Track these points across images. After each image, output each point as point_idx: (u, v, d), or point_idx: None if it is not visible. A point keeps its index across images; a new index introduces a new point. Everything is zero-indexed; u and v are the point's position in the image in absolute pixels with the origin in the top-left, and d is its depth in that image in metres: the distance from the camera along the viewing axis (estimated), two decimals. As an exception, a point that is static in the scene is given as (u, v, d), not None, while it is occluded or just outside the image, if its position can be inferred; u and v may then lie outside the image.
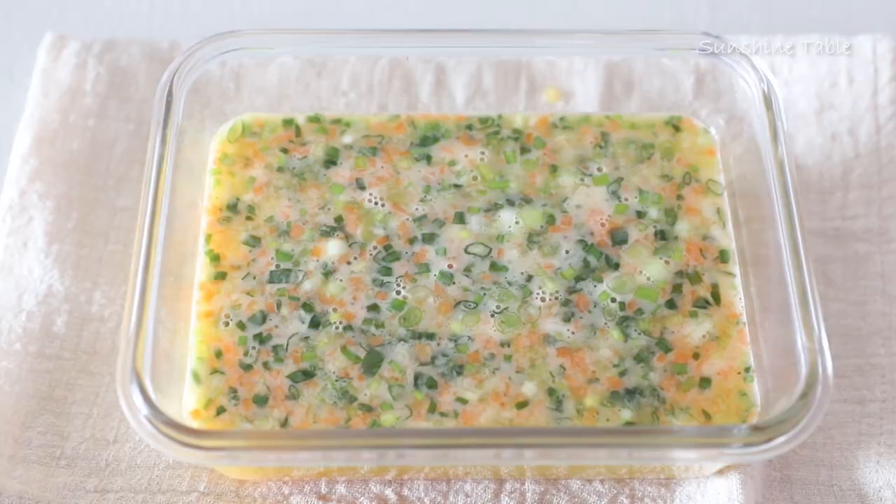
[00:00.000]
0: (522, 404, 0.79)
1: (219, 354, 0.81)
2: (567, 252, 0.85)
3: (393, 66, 0.96)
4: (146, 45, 1.01)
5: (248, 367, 0.81)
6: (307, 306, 0.83)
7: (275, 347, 0.81)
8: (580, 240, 0.86)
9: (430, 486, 0.81)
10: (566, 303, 0.83)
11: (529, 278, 0.84)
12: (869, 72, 0.97)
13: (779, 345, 0.79)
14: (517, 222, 0.86)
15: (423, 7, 1.07)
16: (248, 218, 0.86)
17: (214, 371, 0.80)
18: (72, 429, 0.84)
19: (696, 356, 0.81)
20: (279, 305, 0.83)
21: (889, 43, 1.00)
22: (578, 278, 0.84)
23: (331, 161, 0.89)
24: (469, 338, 0.82)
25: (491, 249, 0.85)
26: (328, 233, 0.86)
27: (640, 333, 0.82)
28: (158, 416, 0.71)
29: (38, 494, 0.80)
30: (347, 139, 0.90)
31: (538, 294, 0.83)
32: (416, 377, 0.80)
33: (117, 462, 0.82)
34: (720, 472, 0.80)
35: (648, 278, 0.84)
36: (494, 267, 0.84)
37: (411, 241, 0.86)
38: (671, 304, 0.83)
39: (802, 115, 0.98)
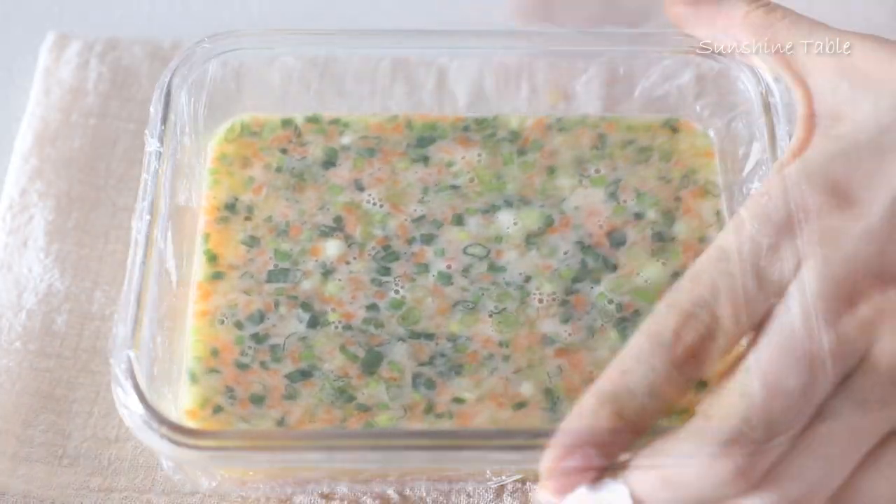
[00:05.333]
0: (520, 405, 0.80)
1: (215, 353, 0.81)
2: (565, 253, 0.85)
3: (395, 67, 0.96)
4: (148, 45, 1.01)
5: (244, 367, 0.81)
6: (305, 306, 0.83)
7: (272, 347, 0.81)
8: (578, 241, 0.86)
9: (432, 486, 0.81)
10: (564, 303, 0.83)
11: (528, 279, 0.84)
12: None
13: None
14: (515, 223, 0.86)
15: (423, 8, 1.07)
16: (247, 218, 0.87)
17: (211, 370, 0.81)
18: (73, 427, 0.84)
19: (693, 357, 0.81)
20: (277, 305, 0.83)
21: (891, 45, 1.00)
22: (576, 279, 0.84)
23: (330, 162, 0.89)
24: (467, 338, 0.82)
25: (489, 250, 0.85)
26: (327, 233, 0.86)
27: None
28: (154, 415, 0.71)
29: (42, 493, 0.80)
30: (346, 140, 0.90)
31: (536, 295, 0.83)
32: (415, 377, 0.80)
33: (119, 461, 0.83)
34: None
35: (646, 280, 0.84)
36: (492, 268, 0.85)
37: (410, 241, 0.86)
38: (669, 306, 0.83)
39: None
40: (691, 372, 0.63)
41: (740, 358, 0.64)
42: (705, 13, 0.81)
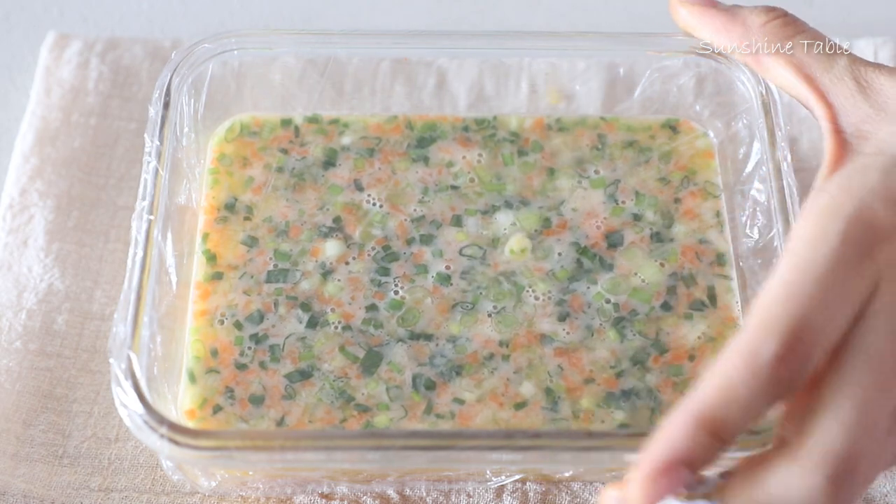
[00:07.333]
0: (521, 405, 0.80)
1: (215, 353, 0.81)
2: (560, 254, 0.85)
3: (395, 68, 0.97)
4: (148, 45, 1.01)
5: (244, 367, 0.81)
6: (305, 306, 0.83)
7: (272, 347, 0.81)
8: (574, 242, 0.86)
9: (432, 486, 0.81)
10: (560, 303, 0.83)
11: (524, 279, 0.84)
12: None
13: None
14: (514, 224, 0.86)
15: (423, 8, 1.07)
16: (247, 218, 0.87)
17: (210, 370, 0.81)
18: (73, 427, 0.84)
19: (691, 357, 0.81)
20: (276, 305, 0.83)
21: (891, 49, 0.99)
22: (572, 279, 0.84)
23: (329, 162, 0.89)
24: (467, 338, 0.82)
25: (486, 251, 0.85)
26: (327, 233, 0.86)
27: (635, 334, 0.82)
28: (154, 415, 0.71)
29: (43, 493, 0.80)
30: (346, 140, 0.90)
31: (531, 292, 0.83)
32: (415, 377, 0.80)
33: (119, 461, 0.83)
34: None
35: (643, 280, 0.84)
36: (490, 268, 0.85)
37: (409, 241, 0.86)
38: (666, 306, 0.83)
39: (806, 117, 0.97)
40: (786, 390, 0.62)
41: (816, 378, 0.64)
42: (719, 21, 0.81)
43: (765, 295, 0.64)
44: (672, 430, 0.62)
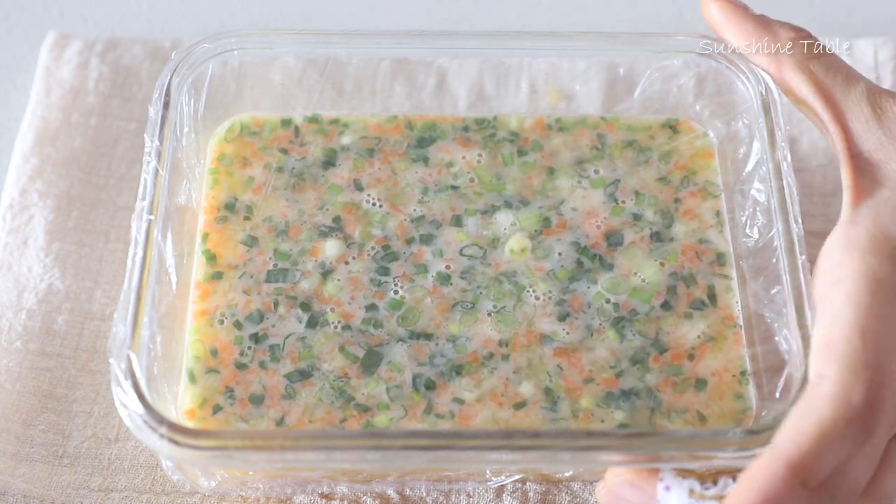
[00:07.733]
0: (520, 404, 0.80)
1: (214, 353, 0.81)
2: (560, 254, 0.85)
3: (395, 68, 0.97)
4: (148, 45, 1.01)
5: (243, 367, 0.81)
6: (305, 306, 0.83)
7: (271, 347, 0.81)
8: (574, 241, 0.86)
9: (432, 486, 0.81)
10: (560, 302, 0.83)
11: (525, 279, 0.84)
12: (871, 78, 0.97)
13: (775, 348, 0.79)
14: (514, 224, 0.86)
15: (423, 8, 1.07)
16: (246, 218, 0.87)
17: (210, 370, 0.81)
18: (73, 427, 0.84)
19: (691, 357, 0.81)
20: (276, 304, 0.83)
21: (891, 50, 0.99)
22: (572, 279, 0.84)
23: (329, 162, 0.89)
24: (467, 338, 0.82)
25: (486, 251, 0.85)
26: (326, 233, 0.86)
27: (635, 334, 0.82)
28: (154, 415, 0.71)
29: (43, 493, 0.81)
30: (346, 140, 0.90)
31: (530, 292, 0.83)
32: (415, 377, 0.80)
33: (119, 461, 0.83)
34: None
35: (643, 280, 0.84)
36: (490, 268, 0.85)
37: (409, 241, 0.86)
38: (666, 306, 0.83)
39: (806, 117, 0.97)
40: (870, 435, 0.65)
41: None
42: (750, 25, 0.82)
43: (839, 338, 0.66)
44: (765, 478, 0.64)
